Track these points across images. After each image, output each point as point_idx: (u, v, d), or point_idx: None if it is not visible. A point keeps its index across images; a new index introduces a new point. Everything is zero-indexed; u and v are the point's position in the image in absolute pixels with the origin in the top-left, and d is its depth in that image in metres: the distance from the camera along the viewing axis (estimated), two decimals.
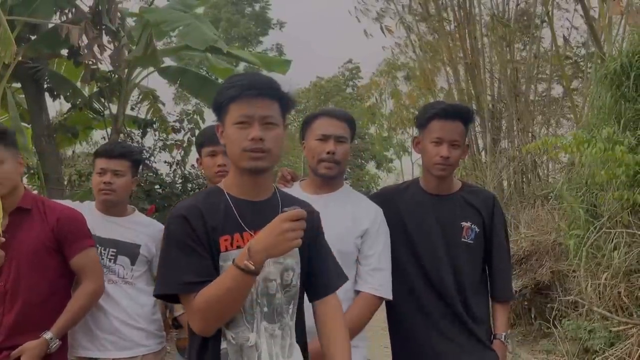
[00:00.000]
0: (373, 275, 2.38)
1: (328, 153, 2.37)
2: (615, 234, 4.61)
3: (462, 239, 2.52)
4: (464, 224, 2.53)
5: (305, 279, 1.90)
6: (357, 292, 2.39)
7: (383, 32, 11.00)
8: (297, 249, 1.78)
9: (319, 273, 1.93)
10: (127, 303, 2.75)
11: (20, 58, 6.10)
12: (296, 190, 2.50)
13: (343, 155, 2.41)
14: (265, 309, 1.78)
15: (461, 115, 2.51)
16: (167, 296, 1.81)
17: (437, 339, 2.46)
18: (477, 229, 2.54)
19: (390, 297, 2.39)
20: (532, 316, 6.55)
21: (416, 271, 2.50)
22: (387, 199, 2.58)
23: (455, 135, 2.47)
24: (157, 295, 1.83)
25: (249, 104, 1.78)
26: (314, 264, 1.92)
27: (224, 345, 1.75)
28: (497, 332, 2.55)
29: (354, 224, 2.40)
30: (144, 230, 2.85)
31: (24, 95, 7.47)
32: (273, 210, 1.78)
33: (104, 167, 2.78)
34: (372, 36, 11.34)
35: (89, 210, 2.80)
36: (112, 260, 2.76)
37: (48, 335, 2.45)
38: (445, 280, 2.48)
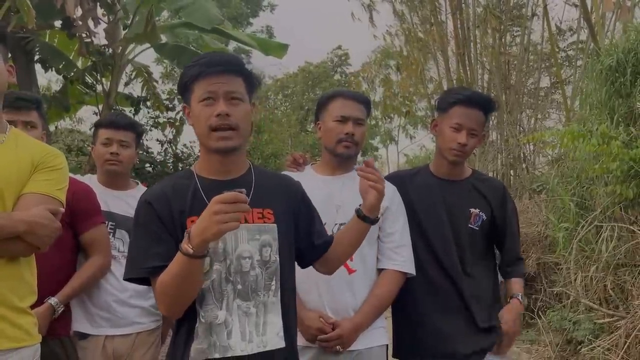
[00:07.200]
0: (397, 252, 2.41)
1: (346, 134, 2.38)
2: (607, 228, 4.66)
3: (469, 225, 2.54)
4: (472, 210, 2.56)
5: (298, 247, 1.92)
6: (379, 270, 2.42)
7: (372, 20, 10.97)
8: (274, 225, 1.80)
9: (311, 237, 1.94)
10: None
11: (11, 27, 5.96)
12: (308, 173, 2.52)
13: (361, 137, 2.43)
14: (239, 287, 1.77)
15: (483, 104, 2.55)
16: (137, 280, 1.82)
17: (443, 320, 2.48)
18: (484, 217, 2.56)
19: (414, 272, 2.43)
20: None
21: (426, 252, 2.52)
22: (396, 183, 2.57)
23: (474, 123, 2.50)
24: (127, 279, 1.83)
25: (213, 80, 1.77)
26: (303, 231, 1.93)
27: (196, 323, 1.76)
28: (513, 293, 2.60)
29: None
30: None
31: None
32: (246, 188, 1.73)
33: (110, 138, 2.75)
34: (360, 20, 11.33)
35: (90, 183, 2.75)
36: (111, 234, 2.74)
37: (53, 300, 2.46)
38: (453, 262, 2.51)
